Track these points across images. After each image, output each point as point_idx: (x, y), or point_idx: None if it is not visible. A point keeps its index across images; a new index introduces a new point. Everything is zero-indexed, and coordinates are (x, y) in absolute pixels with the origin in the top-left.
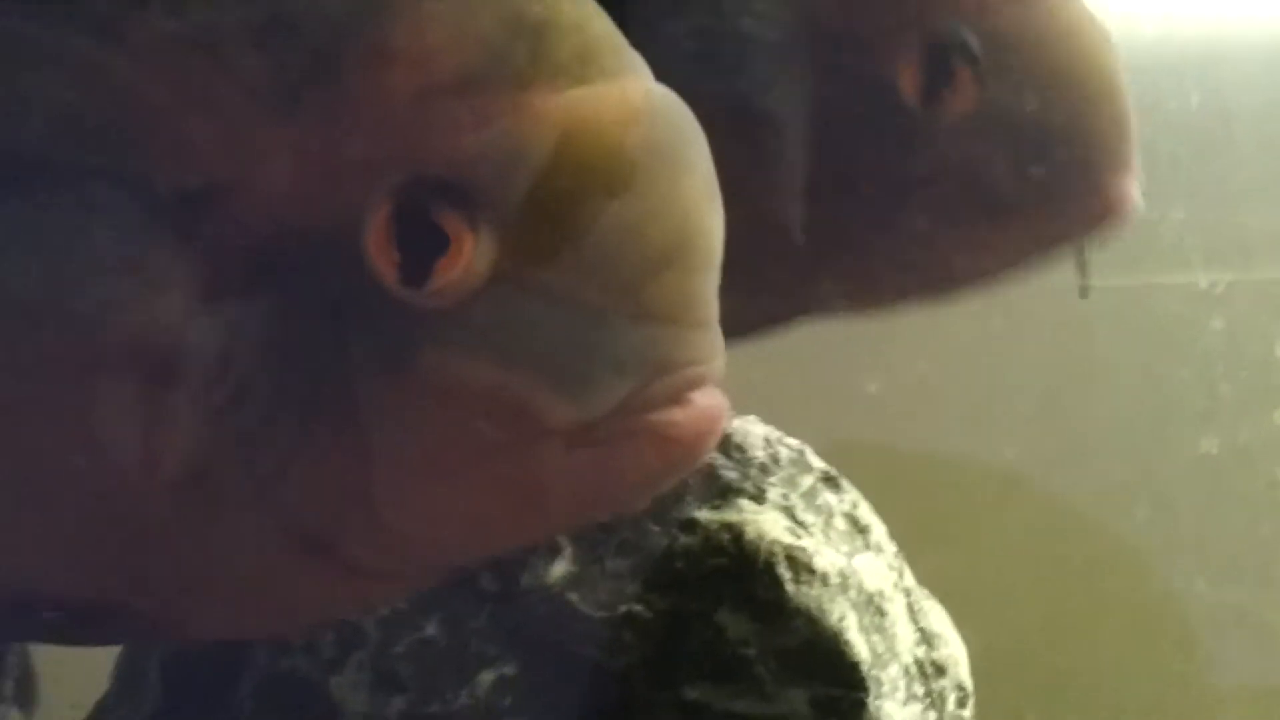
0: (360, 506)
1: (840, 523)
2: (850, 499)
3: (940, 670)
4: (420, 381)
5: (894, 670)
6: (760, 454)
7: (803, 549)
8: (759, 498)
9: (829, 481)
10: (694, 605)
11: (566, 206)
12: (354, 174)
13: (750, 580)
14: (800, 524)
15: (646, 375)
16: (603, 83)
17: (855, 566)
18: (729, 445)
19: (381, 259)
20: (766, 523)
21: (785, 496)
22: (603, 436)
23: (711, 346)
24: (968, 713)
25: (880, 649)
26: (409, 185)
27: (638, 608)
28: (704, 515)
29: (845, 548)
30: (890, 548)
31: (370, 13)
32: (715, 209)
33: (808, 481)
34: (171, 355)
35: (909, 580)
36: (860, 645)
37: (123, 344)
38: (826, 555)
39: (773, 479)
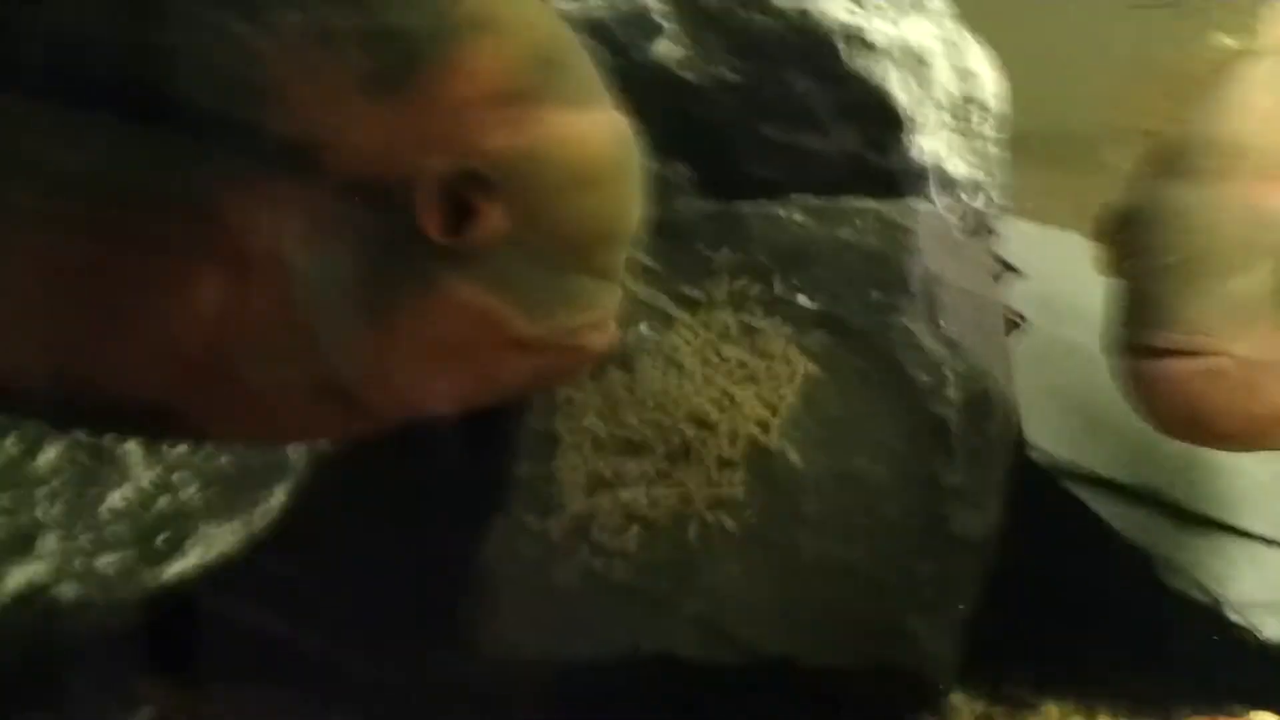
0: (380, 371)
1: None
2: None
3: (970, 99)
4: (439, 296)
5: (928, 109)
6: None
7: (857, 25)
8: None
9: None
10: (770, 70)
11: (557, 194)
12: (415, 148)
13: (815, 52)
14: (858, 3)
15: (581, 310)
16: (591, 111)
17: (903, 30)
18: None
19: (429, 216)
20: (829, 4)
21: None
22: (549, 345)
23: (618, 293)
24: (989, 129)
25: (918, 94)
26: (457, 171)
27: (728, 73)
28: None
29: (895, 14)
30: (938, 4)
31: (442, 36)
32: (641, 211)
33: None
34: (263, 250)
35: (951, 30)
36: (900, 95)
37: (231, 237)
38: (878, 27)
39: None
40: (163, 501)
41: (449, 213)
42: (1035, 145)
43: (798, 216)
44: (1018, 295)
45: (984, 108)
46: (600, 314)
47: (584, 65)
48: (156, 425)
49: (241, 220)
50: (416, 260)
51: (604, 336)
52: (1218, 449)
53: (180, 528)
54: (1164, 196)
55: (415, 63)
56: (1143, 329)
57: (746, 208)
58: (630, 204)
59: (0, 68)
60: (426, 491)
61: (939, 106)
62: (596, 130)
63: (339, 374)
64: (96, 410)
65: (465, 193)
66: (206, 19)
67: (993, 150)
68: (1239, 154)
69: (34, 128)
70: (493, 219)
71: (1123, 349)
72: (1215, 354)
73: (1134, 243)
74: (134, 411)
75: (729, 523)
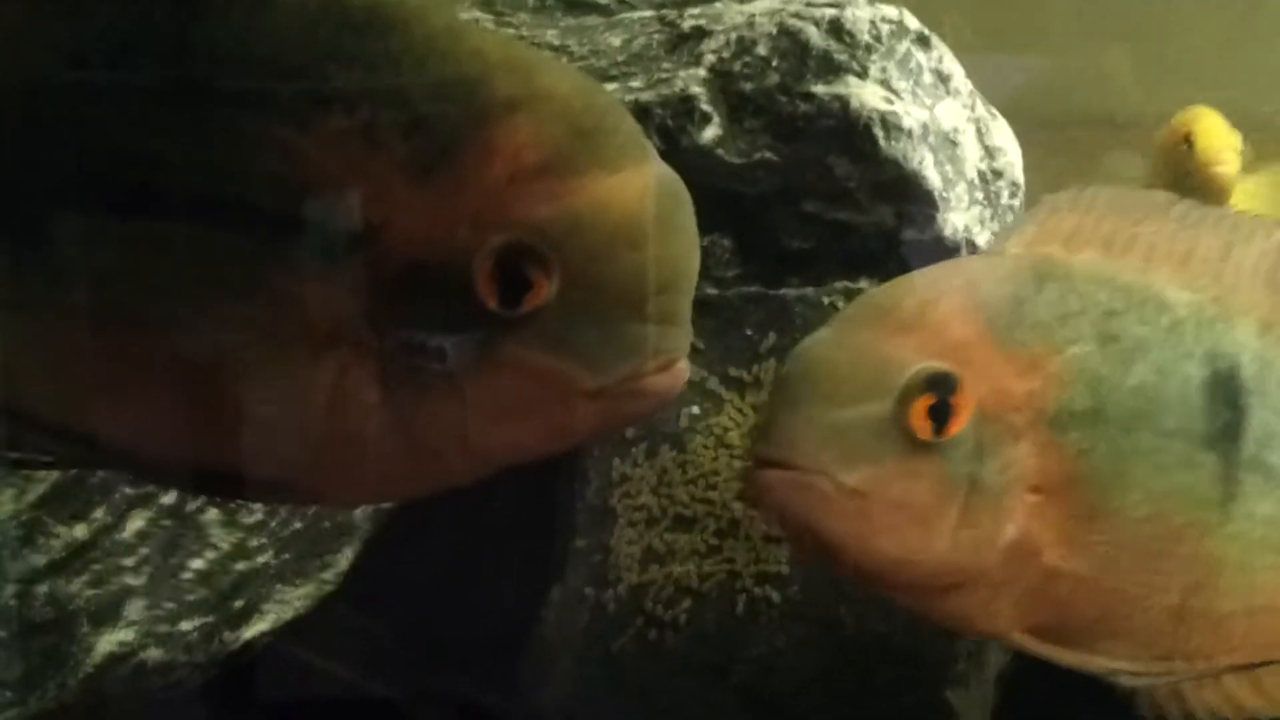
0: (460, 434)
1: (927, 78)
2: (937, 54)
3: (998, 174)
4: (504, 361)
5: (960, 188)
6: (865, 36)
7: (894, 113)
8: (862, 74)
9: (921, 41)
10: (810, 152)
11: (605, 256)
12: (465, 228)
13: (853, 137)
14: (894, 91)
15: (646, 355)
16: (629, 170)
17: (936, 115)
18: (841, 32)
19: (486, 291)
20: (867, 94)
21: (883, 70)
22: (618, 393)
23: (685, 336)
24: (1017, 201)
25: (950, 174)
26: (507, 247)
27: (769, 154)
28: (819, 89)
29: (929, 100)
30: (966, 87)
31: (480, 120)
32: (695, 254)
33: (903, 47)
34: (347, 333)
35: (980, 110)
36: (934, 177)
37: (319, 323)
38: (913, 114)
39: (874, 55)
40: (240, 566)
41: (504, 285)
42: None
43: (840, 303)
44: None
45: (1010, 180)
46: (667, 357)
47: (621, 128)
48: (277, 495)
49: (324, 307)
50: (479, 330)
51: (672, 378)
52: (877, 589)
53: (256, 591)
54: (808, 339)
55: (455, 147)
56: (755, 443)
57: (790, 294)
58: (680, 252)
59: (90, 189)
60: (489, 560)
61: (969, 184)
62: (636, 189)
63: (425, 437)
64: (225, 484)
65: (517, 266)
66: (255, 130)
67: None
68: (883, 311)
69: (130, 243)
70: (546, 287)
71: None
72: (812, 471)
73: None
74: (257, 485)
75: (774, 596)
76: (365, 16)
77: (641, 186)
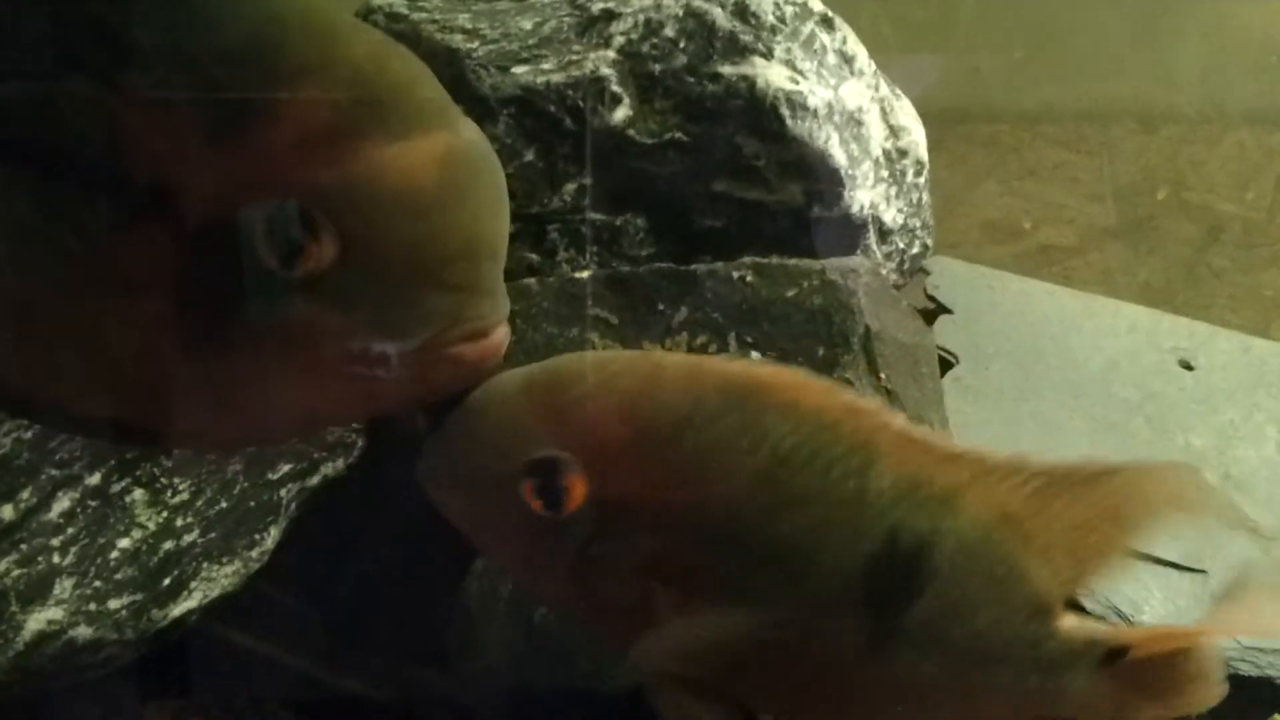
0: (261, 391)
1: (831, 59)
2: (840, 35)
3: (903, 153)
4: (295, 321)
5: (866, 166)
6: (770, 17)
7: (799, 92)
8: (768, 54)
9: (825, 23)
10: (719, 132)
11: (387, 221)
12: (252, 188)
13: (760, 117)
14: (799, 72)
15: (444, 324)
16: (419, 137)
17: (840, 94)
18: (746, 13)
19: (264, 250)
20: (772, 74)
21: (788, 50)
22: (414, 362)
23: (493, 304)
24: (922, 179)
25: (856, 153)
26: (279, 210)
27: (679, 134)
28: (726, 69)
29: (833, 80)
30: (870, 67)
31: (269, 84)
32: (499, 222)
33: (807, 29)
34: (150, 286)
35: (884, 90)
36: (840, 155)
37: (125, 277)
38: (818, 93)
39: (779, 36)
40: (167, 545)
41: (281, 247)
42: None
43: (749, 277)
44: (948, 333)
45: (914, 158)
46: (474, 325)
47: (416, 94)
48: (116, 435)
49: (128, 261)
50: (270, 290)
51: (484, 347)
52: None
53: (184, 569)
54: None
55: (245, 110)
56: None
57: (701, 268)
58: (478, 219)
59: None
60: (414, 536)
61: (875, 162)
62: (424, 156)
63: (228, 392)
64: (67, 422)
65: (291, 228)
66: (64, 81)
67: (923, 197)
68: (538, 385)
69: None
70: (319, 251)
71: None
72: None
73: None
74: (94, 424)
75: None
76: None
77: (432, 153)
